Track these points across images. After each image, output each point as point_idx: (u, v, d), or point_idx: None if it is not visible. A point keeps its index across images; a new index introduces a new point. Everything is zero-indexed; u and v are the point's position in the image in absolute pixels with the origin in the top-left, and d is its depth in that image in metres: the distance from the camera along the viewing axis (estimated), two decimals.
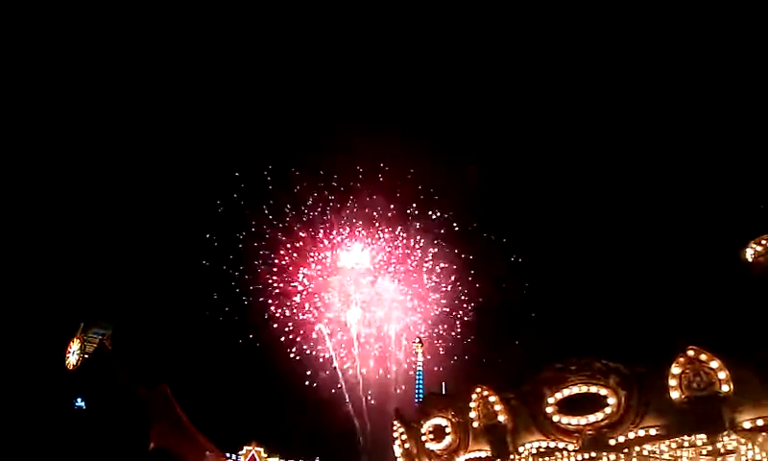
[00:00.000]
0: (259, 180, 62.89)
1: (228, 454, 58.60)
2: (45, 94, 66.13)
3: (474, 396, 20.42)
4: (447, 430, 22.25)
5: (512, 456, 20.33)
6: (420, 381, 62.25)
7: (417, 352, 62.36)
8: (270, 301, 61.30)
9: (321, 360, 61.73)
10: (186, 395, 56.46)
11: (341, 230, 62.07)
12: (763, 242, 28.34)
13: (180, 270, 63.41)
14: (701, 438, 17.80)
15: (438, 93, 72.33)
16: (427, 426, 23.11)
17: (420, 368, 62.70)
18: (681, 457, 19.97)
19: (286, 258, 60.42)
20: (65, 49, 65.81)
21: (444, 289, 61.41)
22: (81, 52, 66.21)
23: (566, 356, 18.64)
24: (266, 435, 59.97)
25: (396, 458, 26.77)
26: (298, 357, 61.33)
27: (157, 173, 67.86)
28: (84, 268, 65.66)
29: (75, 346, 61.04)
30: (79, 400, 53.35)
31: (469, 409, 20.86)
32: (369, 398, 60.40)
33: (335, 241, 62.11)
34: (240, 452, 59.36)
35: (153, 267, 65.72)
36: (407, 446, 24.83)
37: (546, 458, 20.01)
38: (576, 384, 18.48)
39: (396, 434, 25.54)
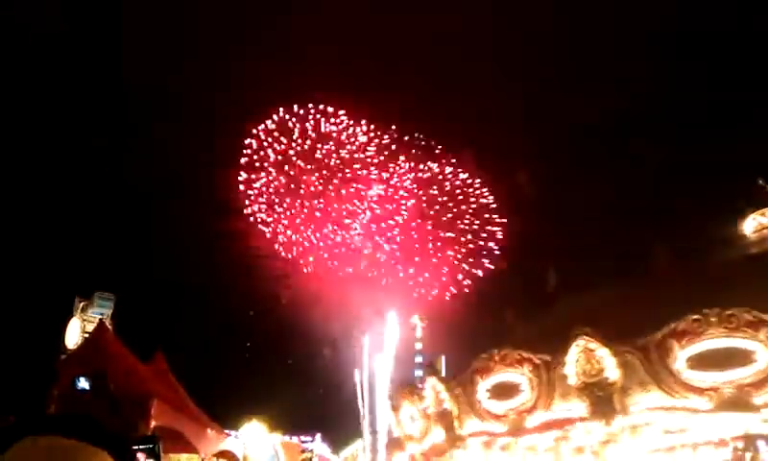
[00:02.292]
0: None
1: (229, 431, 54.81)
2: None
3: (575, 348, 16.00)
4: (522, 387, 17.85)
5: (618, 415, 16.00)
6: (421, 356, 58.46)
7: (416, 327, 58.62)
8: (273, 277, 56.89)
9: (324, 336, 57.25)
10: (187, 370, 52.31)
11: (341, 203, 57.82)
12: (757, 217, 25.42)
13: (182, 245, 59.38)
14: None
15: None
16: (485, 385, 18.69)
17: (420, 343, 58.97)
18: None
19: (293, 231, 56.18)
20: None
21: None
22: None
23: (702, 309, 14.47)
24: (268, 411, 56.13)
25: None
26: (301, 332, 56.79)
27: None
28: (82, 245, 61.27)
29: (75, 324, 56.87)
30: (81, 380, 48.06)
31: (565, 363, 16.46)
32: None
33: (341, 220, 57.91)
34: (241, 429, 55.57)
35: (152, 241, 61.69)
36: (446, 406, 20.20)
37: (664, 416, 15.77)
38: (715, 337, 14.41)
39: (426, 393, 21.11)
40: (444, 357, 50.75)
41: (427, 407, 21.35)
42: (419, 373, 52.73)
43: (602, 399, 15.89)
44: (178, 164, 61.50)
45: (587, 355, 15.83)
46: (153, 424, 44.65)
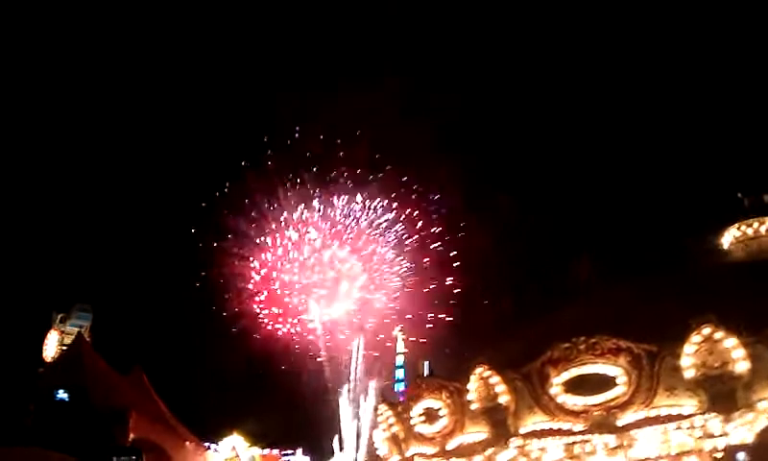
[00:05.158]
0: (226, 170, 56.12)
1: (208, 444, 51.39)
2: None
3: (697, 337, 13.82)
4: (618, 381, 15.15)
5: (738, 411, 13.91)
6: (402, 366, 56.00)
7: (397, 339, 56.11)
8: (251, 292, 53.37)
9: (304, 351, 53.74)
10: (166, 385, 48.99)
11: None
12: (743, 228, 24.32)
13: (159, 259, 55.83)
14: None
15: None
16: (561, 377, 15.93)
17: (402, 354, 56.68)
18: None
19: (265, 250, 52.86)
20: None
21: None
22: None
23: None
24: (247, 424, 52.69)
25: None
26: (281, 348, 53.17)
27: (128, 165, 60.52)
28: (60, 259, 57.20)
29: (53, 337, 52.97)
30: (60, 391, 44.31)
31: (680, 354, 14.27)
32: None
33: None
34: (221, 442, 52.18)
35: (130, 256, 57.93)
36: (501, 400, 17.12)
37: None
38: None
39: (471, 385, 17.85)
40: (427, 362, 48.64)
41: (470, 402, 17.84)
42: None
43: (722, 393, 13.70)
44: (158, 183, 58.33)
45: (710, 346, 13.67)
46: (131, 436, 41.39)
